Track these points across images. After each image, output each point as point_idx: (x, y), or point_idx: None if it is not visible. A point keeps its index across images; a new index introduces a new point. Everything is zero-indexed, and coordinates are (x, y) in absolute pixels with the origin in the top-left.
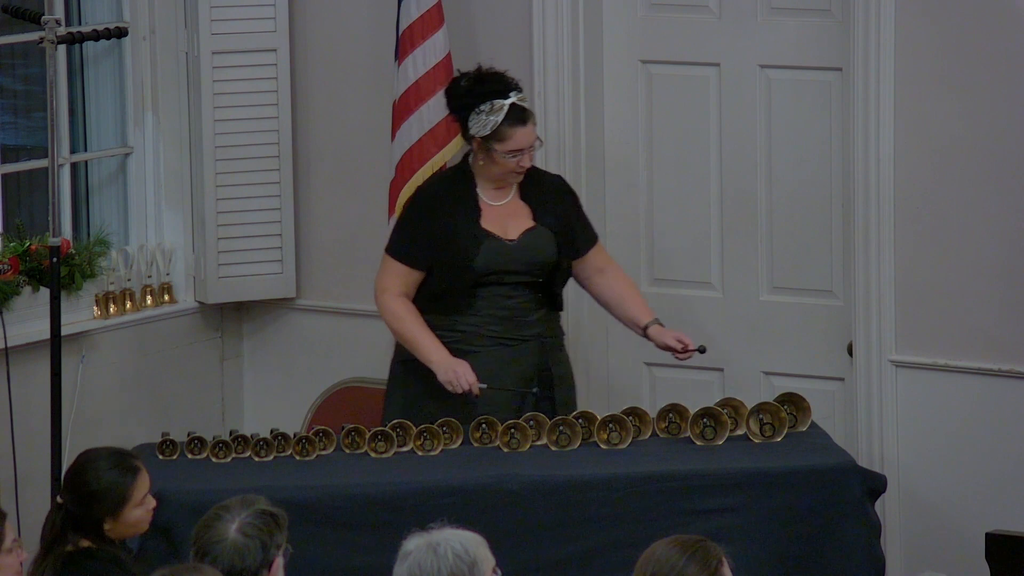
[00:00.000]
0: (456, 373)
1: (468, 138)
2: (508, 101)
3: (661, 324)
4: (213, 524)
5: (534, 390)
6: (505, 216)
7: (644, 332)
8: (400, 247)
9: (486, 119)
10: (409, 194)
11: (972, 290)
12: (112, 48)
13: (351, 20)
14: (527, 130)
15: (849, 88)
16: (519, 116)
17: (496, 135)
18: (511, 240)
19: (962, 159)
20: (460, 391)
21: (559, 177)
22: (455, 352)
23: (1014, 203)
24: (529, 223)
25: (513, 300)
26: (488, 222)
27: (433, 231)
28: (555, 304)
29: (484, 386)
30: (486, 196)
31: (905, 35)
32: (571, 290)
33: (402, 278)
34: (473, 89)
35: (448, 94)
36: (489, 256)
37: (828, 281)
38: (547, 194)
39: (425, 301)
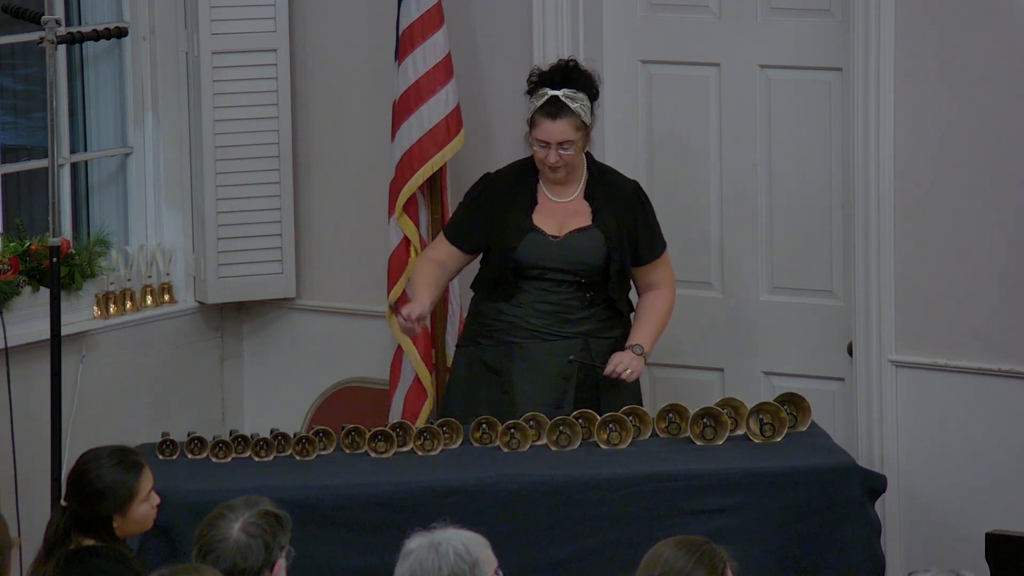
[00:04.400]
0: (408, 320)
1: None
2: (552, 92)
3: (641, 354)
4: (217, 523)
5: (571, 358)
6: (563, 213)
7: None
8: (452, 227)
9: (530, 102)
10: (410, 194)
11: (972, 290)
12: (112, 48)
13: (351, 20)
14: (555, 125)
15: (849, 88)
16: (551, 110)
17: (532, 120)
18: (555, 237)
19: (962, 159)
20: (413, 334)
21: (635, 183)
22: (500, 341)
23: (1014, 203)
24: (585, 222)
25: (557, 296)
26: (541, 216)
27: (487, 218)
28: (612, 305)
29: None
30: (548, 191)
31: (905, 35)
32: None
33: (443, 252)
34: (543, 74)
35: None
36: (530, 250)
37: (828, 281)
38: (613, 197)
39: (480, 288)
